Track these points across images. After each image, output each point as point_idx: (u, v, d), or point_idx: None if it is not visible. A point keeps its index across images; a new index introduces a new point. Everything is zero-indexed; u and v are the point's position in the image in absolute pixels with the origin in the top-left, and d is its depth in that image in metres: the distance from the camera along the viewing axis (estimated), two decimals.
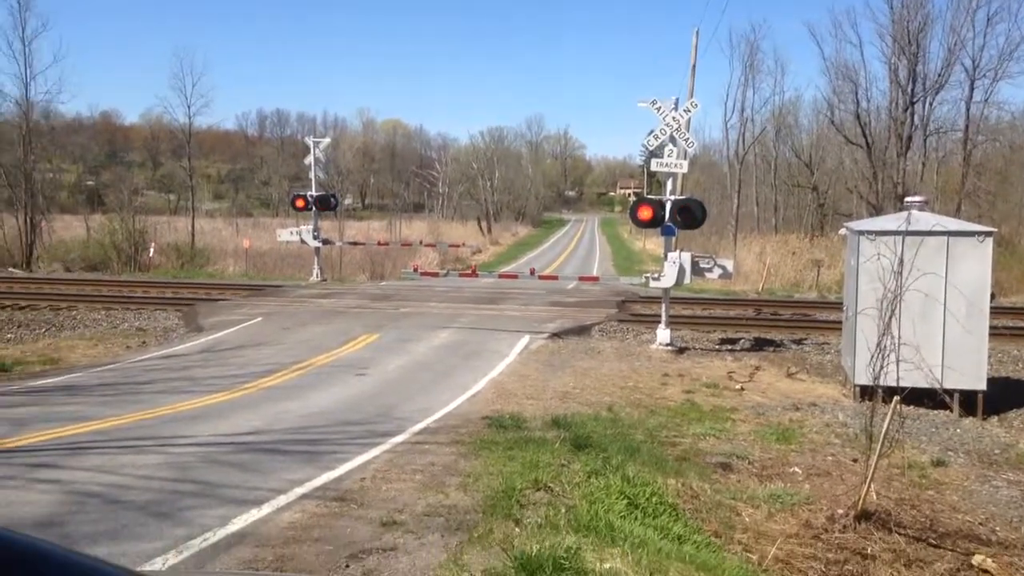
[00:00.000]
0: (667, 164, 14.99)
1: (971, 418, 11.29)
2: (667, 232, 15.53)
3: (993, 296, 14.96)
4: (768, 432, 9.80)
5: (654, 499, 6.39)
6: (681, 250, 16.16)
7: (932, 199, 28.38)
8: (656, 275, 15.56)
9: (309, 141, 25.72)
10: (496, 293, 22.77)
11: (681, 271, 15.09)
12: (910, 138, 35.25)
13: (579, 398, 10.97)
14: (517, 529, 5.38)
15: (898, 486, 8.10)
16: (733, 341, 16.61)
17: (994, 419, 11.48)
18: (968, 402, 11.47)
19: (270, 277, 29.53)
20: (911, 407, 10.79)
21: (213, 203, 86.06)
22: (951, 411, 11.33)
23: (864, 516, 6.74)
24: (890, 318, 7.17)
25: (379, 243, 32.24)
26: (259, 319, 17.42)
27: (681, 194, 15.83)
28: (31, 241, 34.08)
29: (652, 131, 15.19)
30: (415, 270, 23.80)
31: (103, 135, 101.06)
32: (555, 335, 16.15)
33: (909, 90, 34.95)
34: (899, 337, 7.33)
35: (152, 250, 33.31)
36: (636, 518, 5.88)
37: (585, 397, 11.07)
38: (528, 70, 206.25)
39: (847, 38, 57.44)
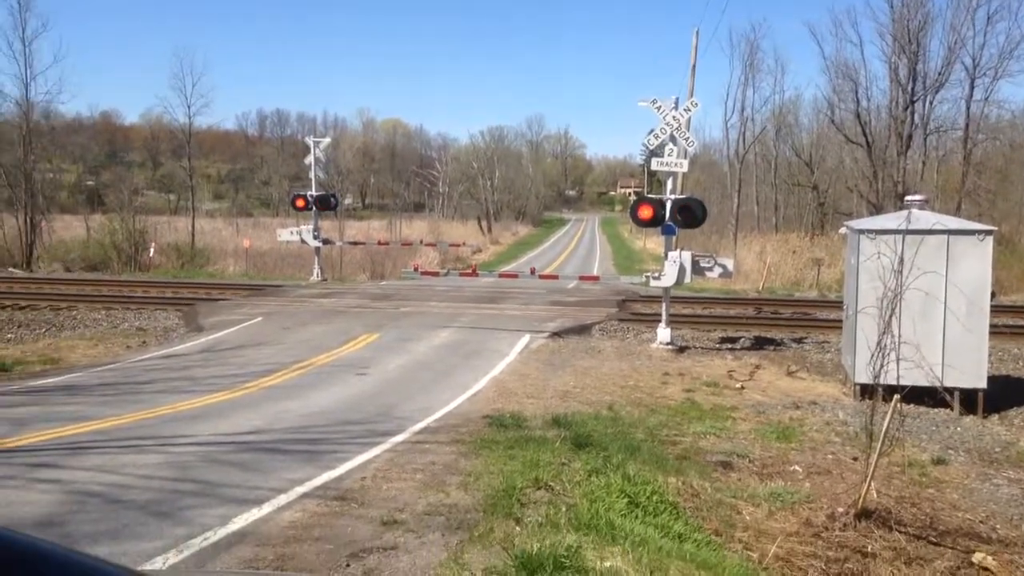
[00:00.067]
0: (667, 163, 14.99)
1: (971, 416, 11.30)
2: (667, 231, 15.53)
3: (993, 294, 14.94)
4: (768, 430, 9.80)
5: (654, 498, 6.39)
6: (681, 249, 16.16)
7: (932, 198, 28.39)
8: (656, 274, 15.56)
9: (309, 141, 25.73)
10: (496, 292, 22.78)
11: (681, 270, 15.10)
12: (910, 137, 35.23)
13: (579, 397, 10.97)
14: (518, 528, 5.38)
15: (898, 484, 8.11)
16: (733, 340, 16.62)
17: (994, 417, 11.48)
18: (968, 400, 11.47)
19: (270, 277, 29.53)
20: (911, 405, 10.79)
21: (213, 203, 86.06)
22: (951, 409, 11.33)
23: (864, 514, 6.74)
24: (890, 316, 7.17)
25: (379, 243, 32.23)
26: (259, 319, 17.43)
27: (681, 193, 15.84)
28: (31, 241, 34.09)
29: (652, 130, 15.20)
30: (415, 269, 23.80)
31: (103, 135, 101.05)
32: (555, 334, 16.15)
33: (909, 89, 34.93)
34: (899, 335, 7.33)
35: (152, 250, 33.31)
36: (637, 516, 5.88)
37: (585, 396, 11.07)
38: (528, 70, 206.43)
39: (847, 37, 57.31)
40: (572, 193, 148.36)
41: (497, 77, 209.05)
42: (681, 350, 15.39)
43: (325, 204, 25.19)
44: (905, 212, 11.31)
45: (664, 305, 15.76)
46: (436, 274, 23.44)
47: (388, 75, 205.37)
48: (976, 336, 11.35)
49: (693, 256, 15.58)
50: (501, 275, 22.53)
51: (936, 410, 11.18)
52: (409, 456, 7.40)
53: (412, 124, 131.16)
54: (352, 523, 5.53)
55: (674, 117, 14.82)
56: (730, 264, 16.21)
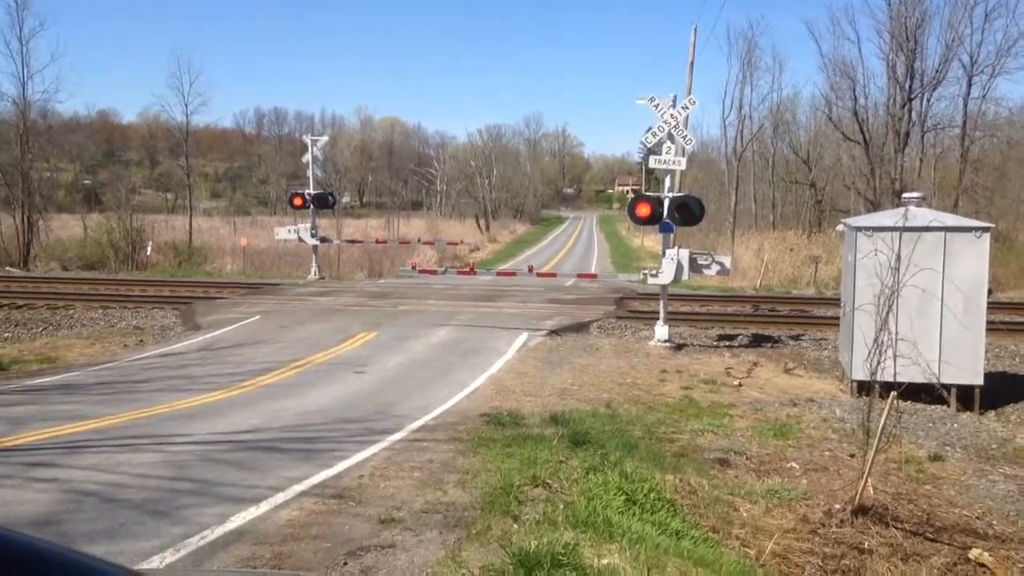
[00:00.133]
0: (665, 161, 14.99)
1: (968, 413, 11.32)
2: (665, 229, 15.53)
3: (990, 291, 14.96)
4: (766, 428, 9.82)
5: (652, 495, 6.40)
6: (679, 247, 16.17)
7: (929, 195, 28.36)
8: (654, 272, 15.56)
9: (307, 139, 25.68)
10: (494, 290, 22.78)
11: (679, 268, 15.10)
12: (908, 134, 35.24)
13: (577, 395, 10.98)
14: (515, 525, 5.38)
15: (895, 481, 8.12)
16: (731, 337, 16.63)
17: (991, 414, 11.51)
18: (965, 397, 11.50)
19: (268, 275, 29.51)
20: (908, 402, 10.80)
21: (211, 202, 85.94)
22: (948, 406, 11.35)
23: (861, 511, 6.75)
24: (887, 313, 7.19)
25: (377, 241, 32.24)
26: (257, 317, 17.42)
27: (679, 191, 15.84)
28: (28, 240, 34.03)
29: (650, 128, 15.21)
30: (413, 268, 23.82)
31: (100, 134, 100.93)
32: (553, 332, 16.16)
33: (907, 86, 34.92)
34: (896, 332, 7.34)
35: (149, 249, 33.27)
36: (634, 514, 5.89)
37: (583, 394, 11.08)
38: (526, 68, 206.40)
39: (845, 35, 57.24)
40: (570, 191, 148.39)
41: (495, 75, 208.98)
42: (679, 347, 15.40)
43: (323, 202, 25.16)
44: (902, 209, 11.34)
45: (662, 303, 15.77)
46: (434, 272, 23.45)
47: (386, 73, 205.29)
48: (973, 333, 11.37)
49: (691, 254, 15.60)
50: (499, 273, 22.53)
51: (933, 407, 11.21)
52: (407, 454, 7.40)
53: (410, 122, 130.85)
54: (350, 521, 5.53)
55: (672, 115, 14.82)
56: (728, 262, 16.22)
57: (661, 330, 15.48)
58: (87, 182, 76.73)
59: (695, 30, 29.13)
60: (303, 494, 6.15)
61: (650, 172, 19.54)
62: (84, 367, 12.69)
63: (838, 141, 42.50)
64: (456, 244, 38.89)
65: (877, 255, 8.20)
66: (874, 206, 33.14)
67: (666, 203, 14.83)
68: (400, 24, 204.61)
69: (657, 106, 14.85)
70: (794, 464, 8.52)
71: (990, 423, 11.10)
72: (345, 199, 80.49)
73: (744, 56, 45.43)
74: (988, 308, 11.88)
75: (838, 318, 14.09)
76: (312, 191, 24.59)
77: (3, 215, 35.42)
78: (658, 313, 15.92)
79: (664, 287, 15.67)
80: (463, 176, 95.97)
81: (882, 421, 6.82)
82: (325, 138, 27.69)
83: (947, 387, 11.11)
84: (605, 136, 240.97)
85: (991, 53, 34.61)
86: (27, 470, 6.69)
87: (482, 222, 75.69)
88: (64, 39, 57.55)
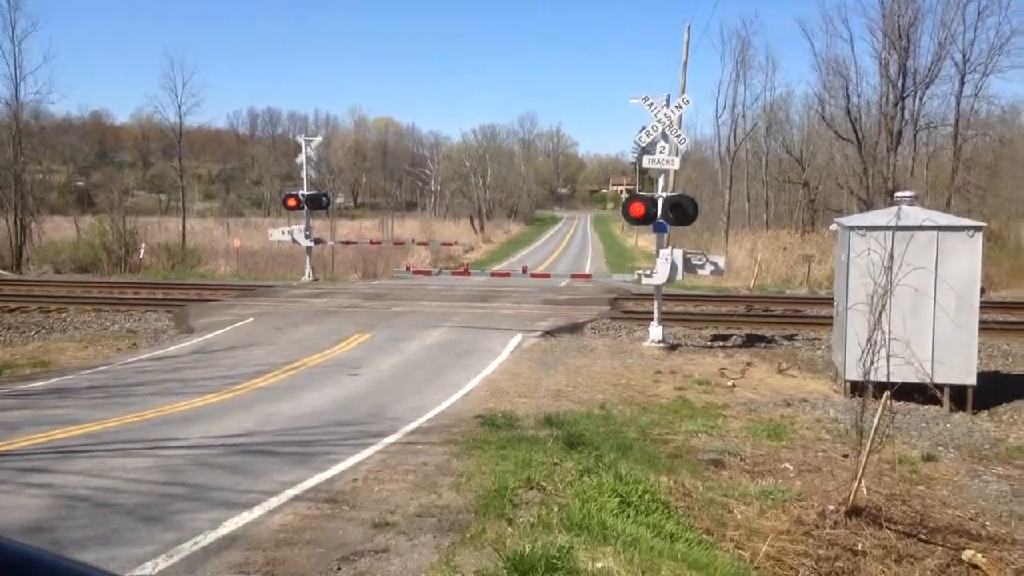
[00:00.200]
0: (659, 161, 15.01)
1: (961, 413, 11.35)
2: (659, 229, 15.54)
3: (983, 290, 15.03)
4: (759, 428, 9.83)
5: (646, 497, 6.40)
6: (673, 247, 16.17)
7: (922, 194, 28.44)
8: (648, 272, 15.57)
9: (301, 140, 25.65)
10: (488, 291, 22.77)
11: (673, 268, 15.12)
12: (900, 133, 35.36)
13: (572, 396, 10.97)
14: (510, 529, 5.37)
15: (889, 481, 8.14)
16: (725, 338, 16.66)
17: (984, 414, 11.54)
18: (958, 397, 11.53)
19: (262, 277, 29.44)
20: (901, 402, 10.80)
21: (204, 203, 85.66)
22: (941, 406, 11.38)
23: (855, 512, 6.77)
24: (880, 313, 7.20)
25: (371, 242, 32.21)
26: (250, 319, 17.37)
27: (673, 191, 15.86)
28: (21, 243, 33.89)
29: (644, 128, 15.21)
30: (407, 269, 23.77)
31: (93, 135, 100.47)
32: (548, 333, 16.16)
33: (899, 85, 35.06)
34: (889, 332, 7.35)
35: (143, 251, 33.16)
36: (628, 516, 5.89)
37: (578, 395, 11.07)
38: (521, 68, 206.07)
39: (838, 33, 57.28)
40: (564, 191, 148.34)
41: (489, 75, 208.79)
42: (673, 348, 15.41)
43: (317, 203, 25.12)
44: (895, 208, 11.36)
45: (656, 303, 15.78)
46: (428, 273, 23.39)
47: (380, 74, 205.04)
48: (966, 332, 11.40)
49: (685, 253, 15.61)
50: (493, 274, 22.53)
51: (926, 407, 11.24)
52: (401, 457, 7.39)
53: (404, 122, 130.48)
54: (343, 526, 5.52)
55: (665, 114, 14.84)
56: (721, 261, 16.25)
57: (655, 330, 15.49)
58: (80, 184, 76.35)
59: (688, 28, 29.20)
60: (297, 498, 6.13)
61: (644, 172, 19.55)
62: (77, 371, 12.64)
63: (831, 140, 42.60)
64: (450, 245, 38.91)
65: (870, 254, 8.22)
66: (867, 205, 33.23)
67: (660, 203, 14.84)
68: (395, 24, 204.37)
69: (651, 105, 14.86)
70: (788, 465, 8.54)
71: (983, 423, 11.13)
72: (339, 200, 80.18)
73: (738, 55, 45.59)
74: (981, 307, 11.92)
75: (831, 318, 14.13)
76: (306, 192, 24.54)
77: None
78: (652, 313, 15.93)
79: (658, 287, 15.68)
80: (457, 176, 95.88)
81: (875, 421, 6.84)
82: (319, 139, 27.65)
83: (940, 387, 11.14)
84: (599, 136, 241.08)
85: (984, 51, 34.81)
86: (20, 475, 6.65)
87: (476, 222, 75.68)
88: (57, 39, 57.14)
